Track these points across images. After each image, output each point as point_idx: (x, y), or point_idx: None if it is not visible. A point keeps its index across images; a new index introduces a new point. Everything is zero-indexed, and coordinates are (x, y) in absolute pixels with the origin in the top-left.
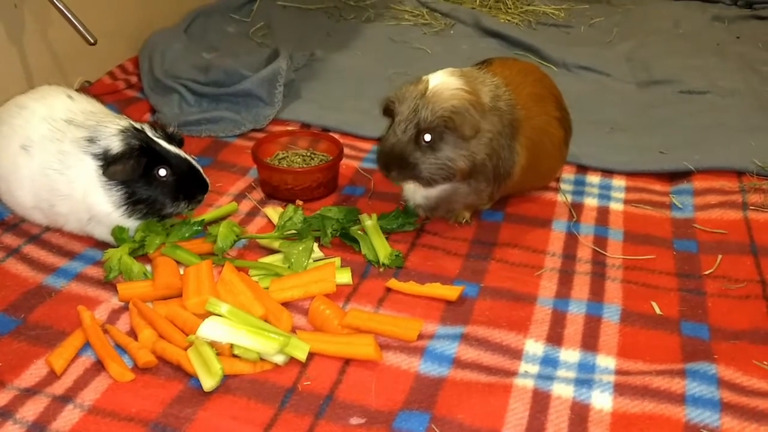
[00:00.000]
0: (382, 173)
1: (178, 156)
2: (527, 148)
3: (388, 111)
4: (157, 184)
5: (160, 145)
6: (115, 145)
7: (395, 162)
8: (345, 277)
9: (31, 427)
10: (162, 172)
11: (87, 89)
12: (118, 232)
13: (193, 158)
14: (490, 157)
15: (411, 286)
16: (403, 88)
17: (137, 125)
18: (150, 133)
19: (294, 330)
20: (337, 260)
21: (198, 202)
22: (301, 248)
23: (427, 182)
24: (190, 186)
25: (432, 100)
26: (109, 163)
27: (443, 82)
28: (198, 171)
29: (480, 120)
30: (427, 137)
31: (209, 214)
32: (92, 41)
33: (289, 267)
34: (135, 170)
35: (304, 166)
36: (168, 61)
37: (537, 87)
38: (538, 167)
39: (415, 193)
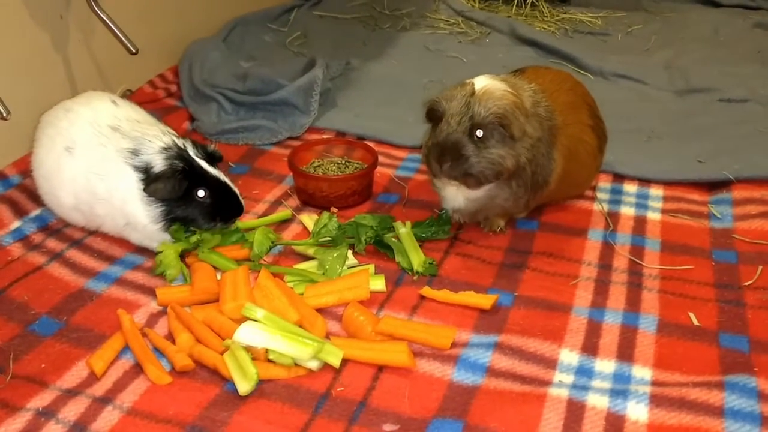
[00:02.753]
0: (432, 169)
1: (217, 179)
2: (563, 156)
3: (433, 112)
4: (195, 204)
5: (201, 167)
6: (158, 163)
7: (450, 153)
8: (379, 284)
9: (72, 427)
10: (201, 193)
11: (129, 97)
12: (176, 231)
13: (229, 180)
14: (530, 162)
15: (445, 294)
16: (448, 90)
17: (180, 143)
18: (192, 152)
19: (328, 336)
20: (371, 267)
21: (232, 223)
22: (335, 255)
23: (476, 180)
24: (226, 208)
25: (484, 98)
26: (151, 180)
27: (491, 84)
28: (235, 194)
29: (525, 123)
30: (479, 133)
31: (263, 220)
32: (134, 51)
33: (323, 273)
34: (176, 190)
35: (339, 173)
36: (207, 70)
37: (571, 95)
38: (573, 176)
39: (457, 195)
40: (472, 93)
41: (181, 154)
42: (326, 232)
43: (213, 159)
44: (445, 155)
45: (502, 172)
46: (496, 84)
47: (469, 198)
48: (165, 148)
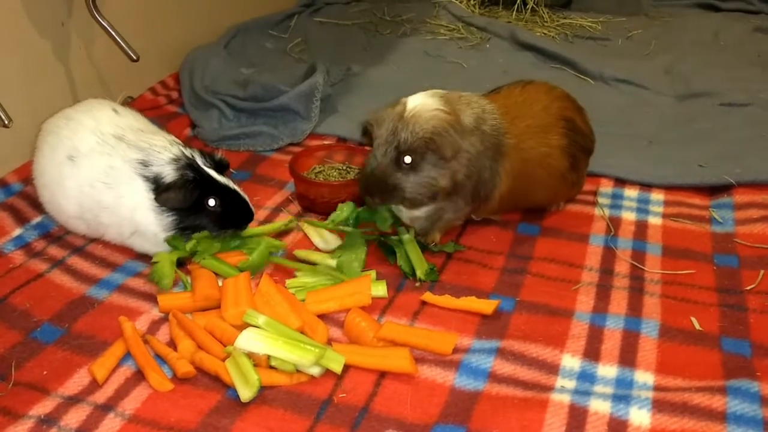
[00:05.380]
0: (366, 202)
1: (226, 187)
2: (512, 177)
3: (367, 134)
4: (207, 213)
5: (210, 176)
6: (169, 173)
7: (377, 186)
8: (380, 290)
9: None
10: (211, 202)
11: (130, 104)
12: (173, 239)
13: (239, 187)
14: (469, 177)
15: (446, 300)
16: (381, 111)
17: (188, 152)
18: (200, 161)
19: (330, 342)
20: (373, 273)
21: (244, 229)
22: (354, 255)
23: (412, 203)
24: (236, 216)
25: (411, 121)
26: (162, 190)
27: (422, 104)
28: (245, 201)
29: (459, 140)
30: (408, 159)
31: (267, 227)
32: (135, 58)
33: (342, 273)
34: (187, 200)
35: (341, 179)
36: (208, 77)
37: (541, 117)
38: (530, 195)
39: (401, 213)
40: (402, 115)
41: (190, 164)
42: (343, 219)
43: (221, 167)
44: (371, 189)
45: (436, 192)
46: (429, 103)
47: (413, 216)
48: (174, 159)
